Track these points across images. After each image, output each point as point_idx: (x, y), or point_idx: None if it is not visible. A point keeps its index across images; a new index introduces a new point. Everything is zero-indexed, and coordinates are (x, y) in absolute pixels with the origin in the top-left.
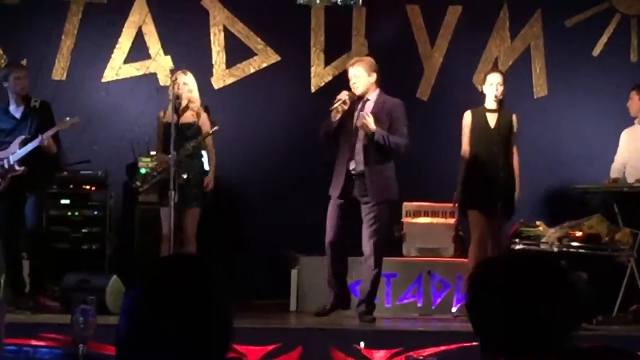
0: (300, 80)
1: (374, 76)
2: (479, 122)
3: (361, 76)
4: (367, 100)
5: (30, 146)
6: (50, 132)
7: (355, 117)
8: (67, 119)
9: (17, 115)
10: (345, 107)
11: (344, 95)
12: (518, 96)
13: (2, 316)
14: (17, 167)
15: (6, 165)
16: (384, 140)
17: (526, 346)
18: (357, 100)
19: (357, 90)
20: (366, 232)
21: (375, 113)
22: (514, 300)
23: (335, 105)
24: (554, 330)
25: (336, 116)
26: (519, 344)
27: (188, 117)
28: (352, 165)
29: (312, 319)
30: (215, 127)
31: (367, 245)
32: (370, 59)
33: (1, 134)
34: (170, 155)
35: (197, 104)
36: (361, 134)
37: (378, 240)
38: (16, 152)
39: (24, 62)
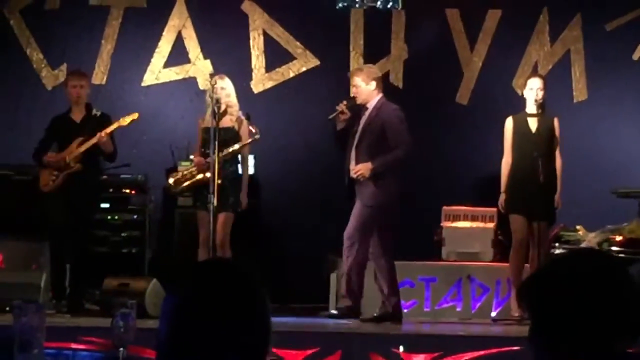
0: (339, 84)
1: (373, 84)
2: (521, 127)
3: (360, 86)
4: (367, 109)
5: (86, 145)
6: (108, 129)
7: (359, 124)
8: (122, 118)
9: (77, 120)
10: (346, 116)
11: (341, 106)
12: (558, 100)
13: (42, 319)
14: (72, 165)
15: (62, 163)
16: (384, 168)
17: (589, 347)
18: (361, 106)
19: (357, 99)
20: (350, 223)
21: (367, 125)
22: (582, 299)
23: (333, 116)
24: (618, 332)
25: (341, 125)
26: (582, 344)
27: (226, 122)
28: (352, 174)
29: (351, 323)
30: (256, 136)
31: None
32: (369, 68)
33: (62, 138)
34: (208, 159)
35: (236, 109)
36: (356, 141)
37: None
38: (73, 151)
39: (63, 67)
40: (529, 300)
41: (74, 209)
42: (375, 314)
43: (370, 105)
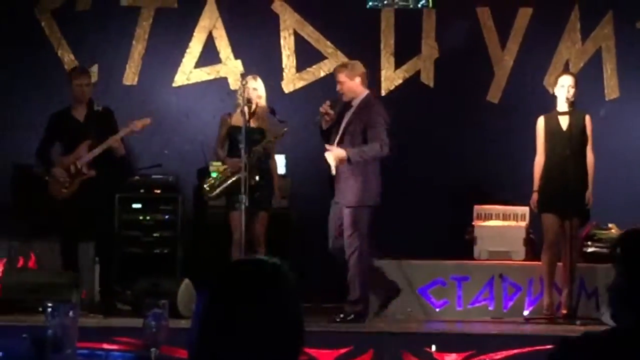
0: (370, 84)
1: (358, 80)
2: (552, 125)
3: (345, 82)
4: (351, 106)
5: (96, 151)
6: (121, 133)
7: (341, 121)
8: (135, 122)
9: (80, 118)
10: (331, 117)
11: (325, 107)
12: (589, 98)
13: (75, 320)
14: (85, 171)
15: (73, 170)
16: (361, 157)
17: None
18: (344, 104)
19: (344, 96)
20: (345, 232)
21: (351, 120)
22: None
23: (318, 119)
24: None
25: (326, 125)
26: None
27: (255, 122)
28: (332, 172)
29: (383, 322)
30: (285, 129)
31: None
32: (353, 64)
33: (66, 138)
34: (241, 159)
35: (264, 111)
36: (337, 138)
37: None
38: (84, 156)
39: (95, 68)
40: (626, 252)
41: (88, 213)
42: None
43: (355, 102)
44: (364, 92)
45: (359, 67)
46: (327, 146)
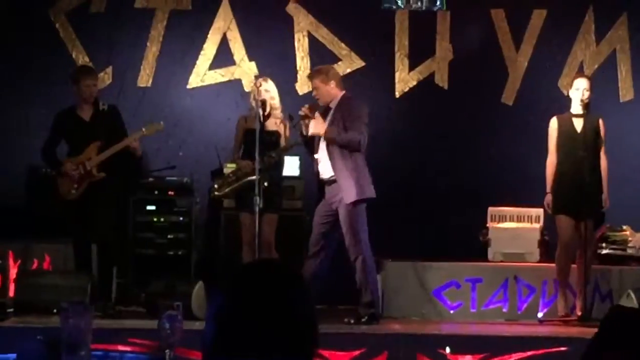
0: (384, 86)
1: (333, 84)
2: (565, 127)
3: (319, 87)
4: (330, 108)
5: (107, 152)
6: (136, 135)
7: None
8: (144, 128)
9: (86, 118)
10: (308, 121)
11: (304, 110)
12: (604, 100)
13: (89, 321)
14: (95, 173)
15: (82, 171)
16: (339, 135)
17: None
18: (322, 108)
19: (320, 101)
20: (346, 236)
21: (332, 120)
22: None
23: (296, 122)
24: None
25: (306, 130)
26: None
27: (271, 125)
28: (320, 174)
29: (398, 324)
30: (298, 141)
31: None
32: (326, 68)
33: (73, 138)
34: (254, 162)
35: (279, 111)
36: (321, 144)
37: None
38: (93, 158)
39: (109, 69)
40: None
41: (96, 215)
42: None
43: (333, 104)
44: (339, 93)
45: (334, 71)
46: (320, 169)
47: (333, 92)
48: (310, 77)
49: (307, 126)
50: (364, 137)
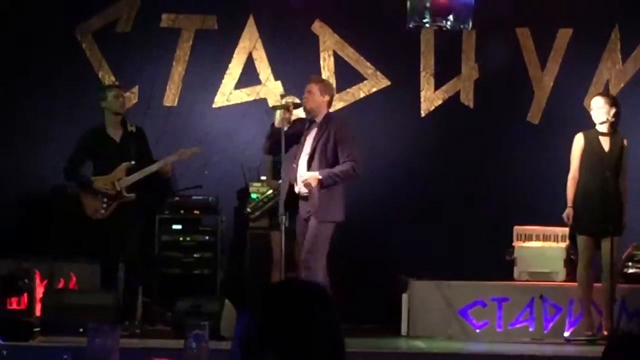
0: (410, 105)
1: (327, 98)
2: (592, 145)
3: (314, 94)
4: (314, 122)
5: (139, 174)
6: (171, 158)
7: (306, 139)
8: (184, 150)
9: (117, 139)
10: (288, 117)
11: (288, 102)
12: (629, 119)
13: (116, 340)
14: (125, 194)
15: (113, 192)
16: (334, 180)
17: None
18: (307, 122)
19: (306, 105)
20: (305, 245)
21: (318, 138)
22: None
23: (276, 105)
24: None
25: (279, 124)
26: None
27: None
28: (296, 189)
29: (424, 343)
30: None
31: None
32: (329, 83)
33: (101, 157)
34: (280, 181)
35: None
36: (303, 158)
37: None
38: (123, 179)
39: (135, 89)
40: None
41: (126, 235)
42: None
43: (318, 118)
44: (325, 110)
45: (332, 88)
46: (298, 182)
47: (323, 106)
48: (311, 80)
49: (282, 121)
50: (356, 163)
